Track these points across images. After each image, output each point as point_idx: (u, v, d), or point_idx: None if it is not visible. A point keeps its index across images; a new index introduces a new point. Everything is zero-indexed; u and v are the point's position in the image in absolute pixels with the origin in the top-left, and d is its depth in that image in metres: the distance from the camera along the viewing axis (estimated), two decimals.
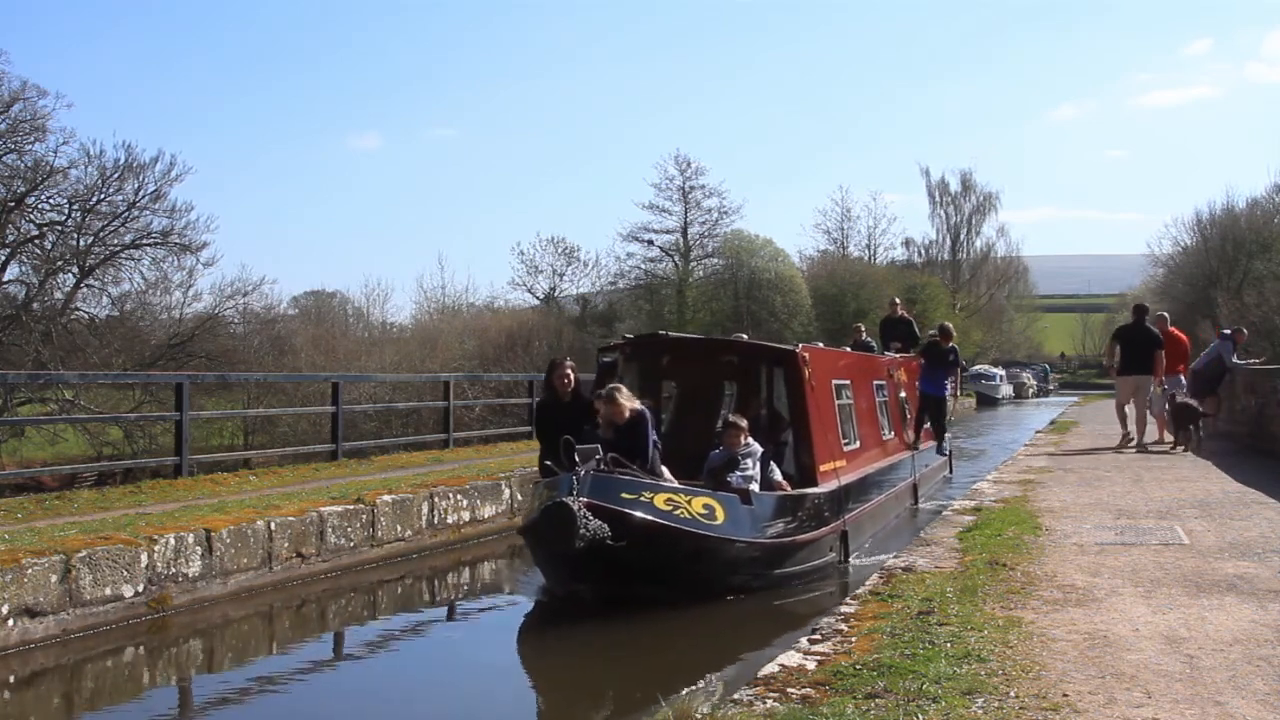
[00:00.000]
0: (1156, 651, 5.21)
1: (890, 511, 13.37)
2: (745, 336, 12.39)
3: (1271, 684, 4.66)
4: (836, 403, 11.41)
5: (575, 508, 7.34)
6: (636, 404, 9.12)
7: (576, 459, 8.02)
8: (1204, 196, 72.66)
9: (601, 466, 8.06)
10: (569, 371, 9.79)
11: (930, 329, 21.13)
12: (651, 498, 8.08)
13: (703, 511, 8.29)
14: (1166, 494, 11.02)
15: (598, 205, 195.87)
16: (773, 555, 9.13)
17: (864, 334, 18.57)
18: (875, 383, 14.24)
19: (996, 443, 27.88)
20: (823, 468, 10.32)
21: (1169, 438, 16.66)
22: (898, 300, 20.98)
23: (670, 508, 8.12)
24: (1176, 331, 17.34)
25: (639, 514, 7.90)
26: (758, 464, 9.44)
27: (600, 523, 7.49)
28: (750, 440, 9.58)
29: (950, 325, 18.08)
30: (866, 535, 11.74)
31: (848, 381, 12.27)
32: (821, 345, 14.70)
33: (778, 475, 9.80)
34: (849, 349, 16.54)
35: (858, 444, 12.09)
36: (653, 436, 9.17)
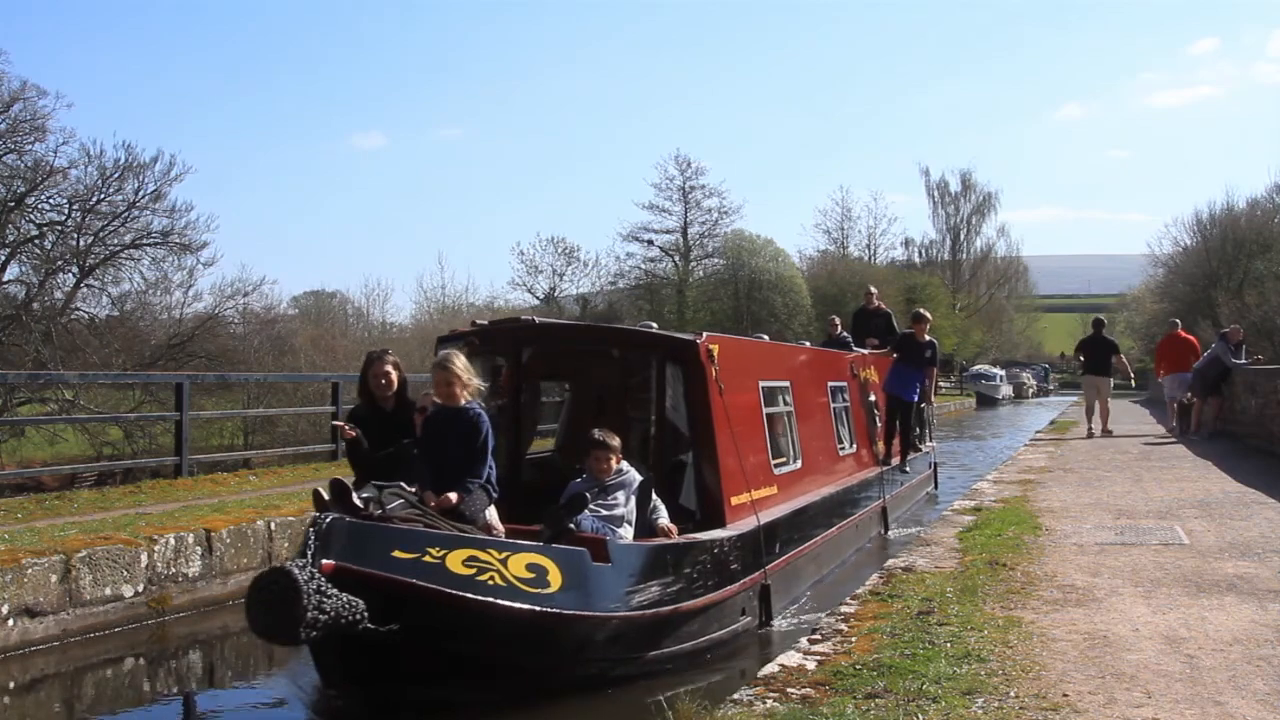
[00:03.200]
0: (1156, 651, 5.21)
1: (847, 547, 10.96)
2: (654, 325, 8.62)
3: (1271, 684, 4.66)
4: (766, 411, 8.97)
5: (302, 577, 4.87)
6: (476, 383, 6.40)
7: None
8: (1207, 196, 72.49)
9: (378, 506, 5.59)
10: (389, 369, 7.25)
11: (945, 332, 19.68)
12: (443, 556, 5.40)
13: (525, 576, 5.60)
14: (1166, 494, 11.02)
15: (598, 205, 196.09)
16: (642, 632, 6.44)
17: (839, 328, 16.45)
18: (832, 384, 11.78)
19: (985, 450, 27.17)
20: (734, 500, 7.80)
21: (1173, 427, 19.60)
22: (873, 290, 17.54)
23: (471, 571, 5.43)
24: (1186, 335, 20.47)
25: (419, 582, 5.26)
26: (632, 498, 6.97)
27: (348, 599, 4.99)
28: (624, 466, 7.12)
29: (926, 312, 14.84)
30: (804, 584, 9.29)
31: (785, 383, 9.86)
32: (766, 338, 11.53)
33: (663, 515, 7.15)
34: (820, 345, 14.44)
35: (798, 464, 9.68)
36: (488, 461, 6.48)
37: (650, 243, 55.82)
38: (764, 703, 4.70)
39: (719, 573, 7.24)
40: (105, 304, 30.23)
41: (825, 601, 8.38)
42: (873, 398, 13.45)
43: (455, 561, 5.47)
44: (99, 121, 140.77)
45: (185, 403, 13.01)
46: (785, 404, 9.73)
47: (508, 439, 8.25)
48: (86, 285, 29.33)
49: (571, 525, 6.05)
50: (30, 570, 7.62)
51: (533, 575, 5.71)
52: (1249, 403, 17.31)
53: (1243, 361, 18.87)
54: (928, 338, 13.98)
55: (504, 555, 5.66)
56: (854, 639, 5.66)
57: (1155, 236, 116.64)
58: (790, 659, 5.41)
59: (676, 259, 55.89)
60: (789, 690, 4.85)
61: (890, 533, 12.41)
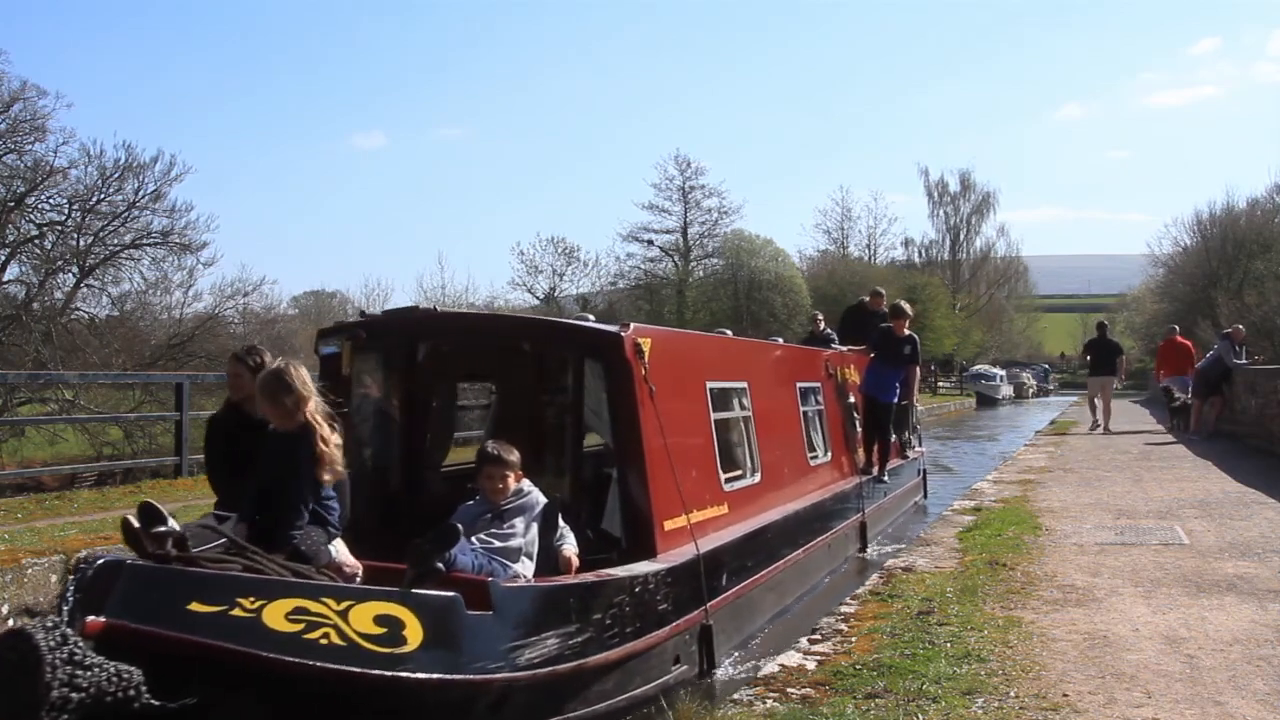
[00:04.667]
0: (1156, 651, 5.21)
1: (817, 570, 9.51)
2: (591, 319, 7.17)
3: (1271, 684, 4.66)
4: (715, 416, 7.63)
5: (45, 643, 3.55)
6: (310, 397, 4.97)
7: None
8: (1207, 196, 72.59)
9: (173, 547, 4.28)
10: (240, 372, 5.97)
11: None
12: (259, 608, 4.12)
13: (372, 632, 4.31)
14: (1166, 494, 11.02)
15: (598, 205, 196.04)
16: (536, 696, 5.11)
17: (823, 325, 15.35)
18: (803, 385, 10.29)
19: (985, 452, 26.71)
20: (668, 524, 6.42)
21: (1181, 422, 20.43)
22: (882, 292, 15.45)
23: (297, 628, 4.15)
24: (1183, 340, 21.42)
25: (217, 643, 3.94)
26: (534, 525, 5.65)
27: (118, 669, 3.67)
28: (525, 486, 5.77)
29: (906, 305, 12.87)
30: (761, 619, 7.88)
31: (741, 385, 8.41)
32: (731, 333, 9.96)
33: (568, 544, 5.80)
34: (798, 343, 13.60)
35: (756, 477, 8.27)
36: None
37: (650, 243, 55.90)
38: (764, 703, 4.71)
39: (642, 616, 5.80)
40: (105, 304, 30.21)
41: (785, 638, 6.89)
42: (852, 399, 12.03)
43: (276, 615, 4.14)
44: (99, 121, 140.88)
45: (185, 403, 13.01)
46: (741, 408, 8.31)
47: (401, 452, 7.15)
48: (86, 285, 29.34)
49: (441, 564, 4.67)
50: (30, 570, 7.62)
51: (383, 631, 4.32)
52: (1249, 403, 17.32)
53: (1243, 361, 18.92)
54: (907, 332, 12.37)
55: (345, 606, 4.28)
56: (854, 639, 5.67)
57: (1155, 236, 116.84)
58: (790, 659, 5.42)
59: (676, 259, 55.93)
60: (789, 690, 4.86)
61: (870, 551, 11.07)
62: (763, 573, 7.85)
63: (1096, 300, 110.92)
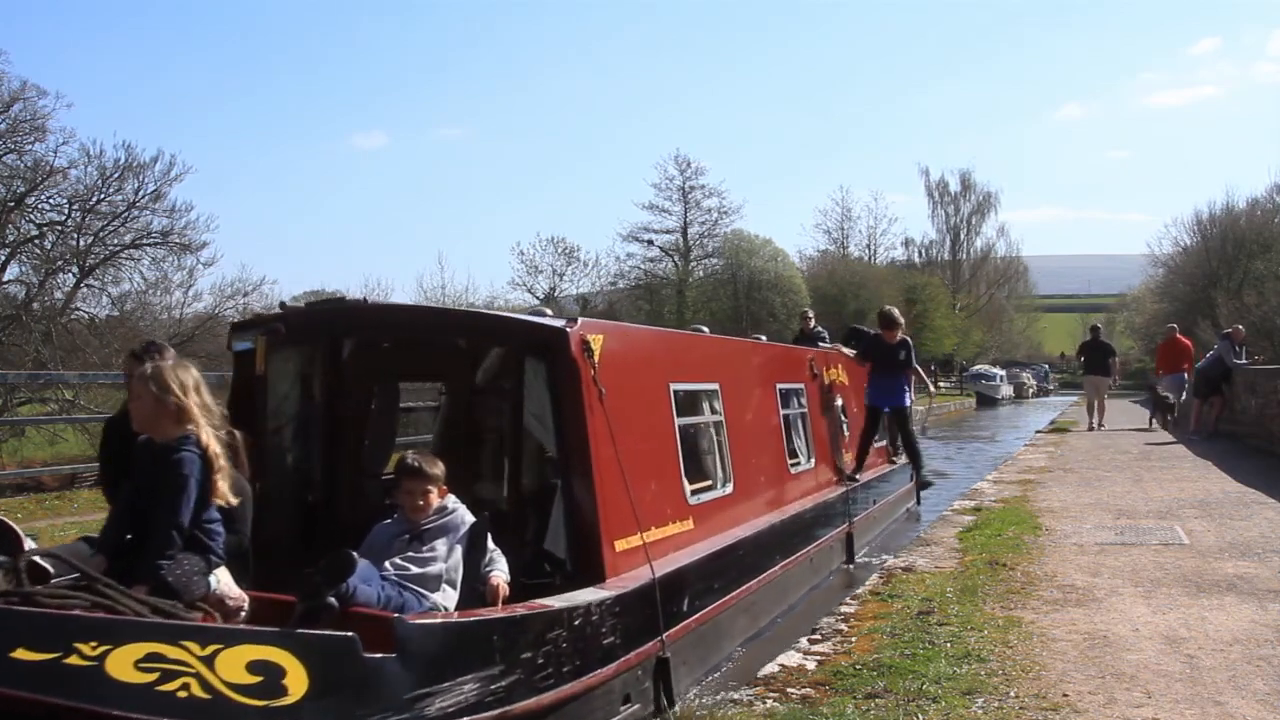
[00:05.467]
0: (1156, 651, 5.21)
1: (797, 588, 8.62)
2: (549, 313, 6.48)
3: (1271, 684, 4.66)
4: (680, 421, 6.88)
5: None
6: (191, 403, 4.32)
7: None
8: (1207, 196, 72.71)
9: (28, 578, 3.82)
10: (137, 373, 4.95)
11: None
12: (102, 655, 3.50)
13: (244, 682, 3.70)
14: (1166, 494, 11.02)
15: (598, 205, 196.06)
16: None
17: (813, 322, 14.78)
18: (784, 387, 9.50)
19: (982, 455, 26.29)
20: (619, 544, 5.68)
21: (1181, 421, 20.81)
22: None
23: (150, 678, 3.53)
24: (1183, 339, 21.68)
25: (48, 699, 3.36)
26: (458, 548, 4.96)
27: None
28: (450, 503, 5.08)
29: (895, 312, 11.94)
30: (731, 645, 6.98)
31: (712, 386, 7.67)
32: (710, 331, 9.46)
33: (498, 569, 5.02)
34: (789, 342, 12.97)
35: (728, 488, 7.54)
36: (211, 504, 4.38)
37: (650, 243, 55.89)
38: (764, 703, 4.71)
39: (583, 651, 5.03)
40: (105, 304, 30.20)
41: (752, 665, 6.23)
42: (839, 402, 11.27)
43: (123, 663, 3.51)
44: (99, 121, 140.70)
45: None
46: (711, 412, 7.59)
47: (324, 460, 6.37)
48: (86, 285, 29.34)
49: (334, 599, 4.07)
50: None
51: (258, 680, 3.70)
52: (1249, 403, 17.33)
53: (1243, 361, 18.94)
54: (901, 337, 11.71)
55: (211, 651, 3.63)
56: (854, 639, 5.67)
57: (1155, 236, 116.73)
58: (790, 659, 5.43)
59: (676, 259, 55.94)
60: (789, 690, 4.86)
61: (857, 563, 10.25)
62: (733, 594, 7.01)
63: (1096, 300, 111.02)
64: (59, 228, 29.02)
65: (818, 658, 5.38)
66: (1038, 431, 23.96)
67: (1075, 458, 15.59)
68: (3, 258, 28.34)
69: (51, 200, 28.99)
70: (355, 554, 4.30)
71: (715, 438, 7.60)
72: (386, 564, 4.76)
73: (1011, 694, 4.58)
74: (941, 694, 4.59)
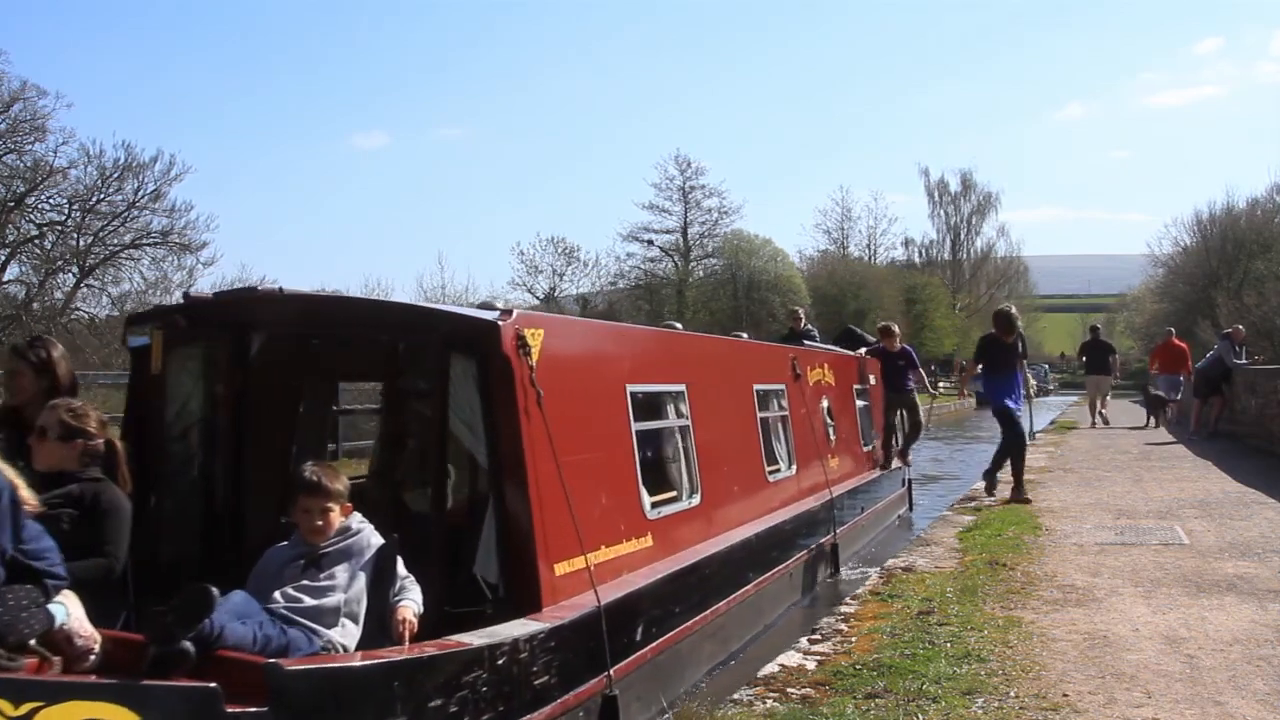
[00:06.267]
0: (1156, 651, 5.21)
1: (774, 606, 7.96)
2: (499, 308, 5.29)
3: (1271, 684, 4.66)
4: (639, 426, 6.18)
5: None
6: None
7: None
8: (1207, 196, 72.79)
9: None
10: (28, 370, 4.71)
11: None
12: None
13: None
14: (1166, 494, 11.02)
15: (598, 205, 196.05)
16: None
17: (804, 321, 14.39)
18: (762, 388, 8.75)
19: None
20: (559, 568, 5.03)
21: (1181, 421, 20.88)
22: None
23: None
24: (1179, 342, 22.09)
25: None
26: (361, 575, 4.21)
27: None
28: (354, 522, 4.34)
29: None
30: (694, 676, 6.24)
31: (677, 388, 6.94)
32: (678, 329, 8.41)
33: (409, 599, 4.23)
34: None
35: (695, 499, 6.83)
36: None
37: (650, 243, 55.97)
38: (764, 703, 4.71)
39: (509, 695, 4.36)
40: (105, 304, 30.23)
41: (752, 665, 5.97)
42: (825, 403, 10.66)
43: None
44: (99, 121, 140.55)
45: None
46: (677, 416, 6.86)
47: (228, 473, 5.57)
48: (86, 285, 29.37)
49: (188, 643, 3.44)
50: None
51: None
52: (1249, 403, 17.33)
53: (1243, 362, 18.95)
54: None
55: (29, 710, 3.02)
56: (854, 639, 5.67)
57: (1155, 236, 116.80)
58: (790, 659, 5.42)
59: (676, 259, 55.99)
60: (789, 690, 4.86)
61: (843, 575, 9.65)
62: (698, 617, 6.30)
63: (1096, 300, 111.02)
64: (59, 228, 29.05)
65: (818, 658, 5.38)
66: (1037, 431, 23.97)
67: (1075, 458, 15.59)
68: (3, 258, 28.36)
69: (51, 200, 29.06)
70: (213, 588, 3.57)
71: (681, 444, 6.86)
72: (277, 594, 4.03)
73: (1011, 694, 4.58)
74: (941, 694, 4.59)
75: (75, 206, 29.11)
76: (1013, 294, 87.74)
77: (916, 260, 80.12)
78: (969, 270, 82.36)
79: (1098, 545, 8.15)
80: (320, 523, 4.20)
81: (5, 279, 28.73)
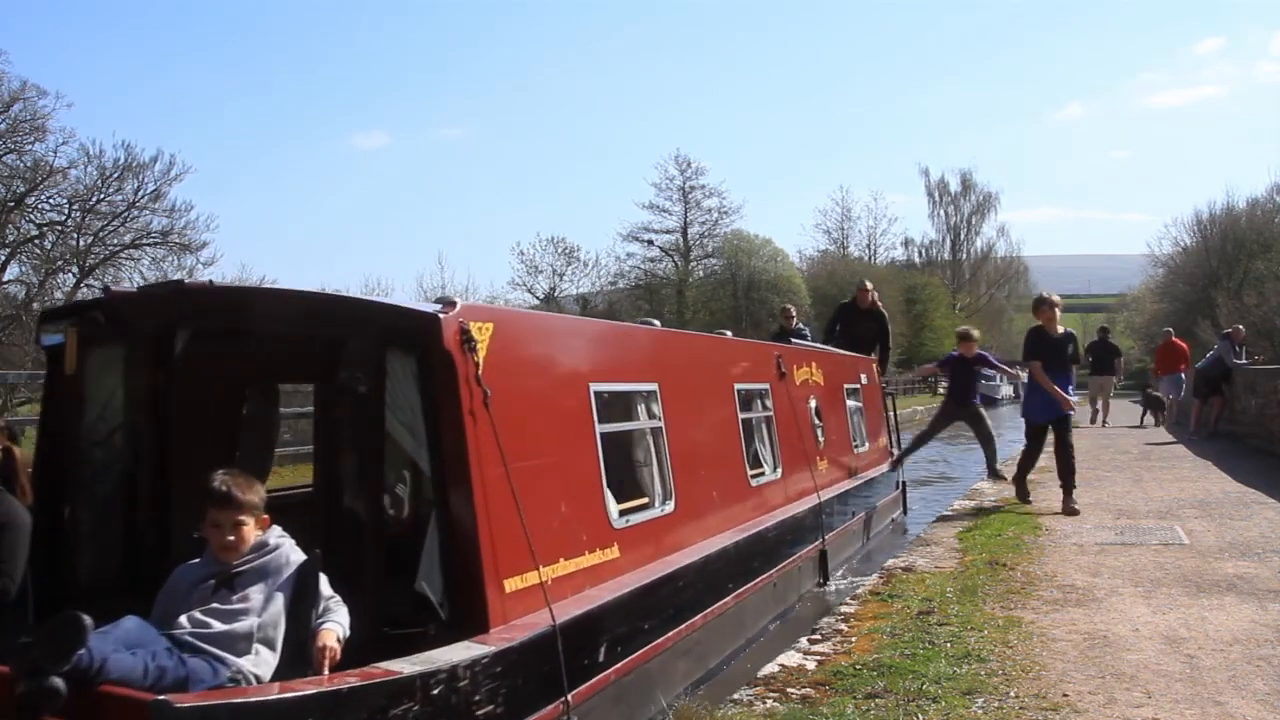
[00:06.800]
0: (1156, 651, 5.22)
1: (756, 619, 7.56)
2: (458, 303, 4.73)
3: (1271, 684, 4.66)
4: (604, 429, 5.74)
5: None
6: None
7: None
8: (1207, 196, 72.92)
9: None
10: None
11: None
12: None
13: None
14: (1166, 494, 11.02)
15: (598, 205, 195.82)
16: None
17: (795, 319, 14.16)
18: (744, 387, 8.34)
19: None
20: (509, 584, 4.61)
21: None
22: (870, 286, 14.55)
23: None
24: (1178, 342, 22.49)
25: None
26: (278, 596, 3.79)
27: None
28: (272, 537, 3.92)
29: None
30: (668, 694, 5.68)
31: (648, 387, 6.54)
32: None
33: (332, 623, 3.82)
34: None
35: (669, 506, 6.41)
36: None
37: (650, 243, 56.04)
38: (764, 703, 4.71)
39: None
40: None
41: (752, 665, 5.94)
42: (813, 403, 10.15)
43: None
44: (99, 121, 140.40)
45: None
46: (648, 417, 6.45)
47: (151, 483, 5.13)
48: (86, 285, 29.36)
49: (58, 680, 3.05)
50: None
51: None
52: (1249, 403, 17.34)
53: (1243, 362, 18.97)
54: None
55: None
56: (854, 639, 5.67)
57: (1155, 236, 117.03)
58: (790, 659, 5.43)
59: (676, 259, 56.05)
60: (789, 690, 4.86)
61: (833, 583, 9.27)
62: (670, 633, 5.85)
63: (1096, 300, 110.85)
64: (59, 228, 29.08)
65: (818, 658, 5.38)
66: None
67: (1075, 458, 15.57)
68: (3, 258, 28.37)
69: (51, 200, 29.09)
70: (84, 615, 3.15)
71: (653, 448, 6.42)
72: (183, 618, 3.63)
73: (1011, 694, 4.58)
74: (941, 694, 4.59)
75: (75, 206, 29.14)
76: (1013, 294, 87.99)
77: (916, 260, 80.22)
78: (969, 270, 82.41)
79: (1098, 545, 8.15)
80: (232, 538, 3.79)
81: (5, 279, 28.75)
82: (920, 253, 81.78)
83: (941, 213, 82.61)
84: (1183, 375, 21.46)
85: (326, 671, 3.63)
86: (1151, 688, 4.66)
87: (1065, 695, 4.56)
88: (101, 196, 29.27)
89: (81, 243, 29.29)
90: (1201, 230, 51.41)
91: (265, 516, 3.92)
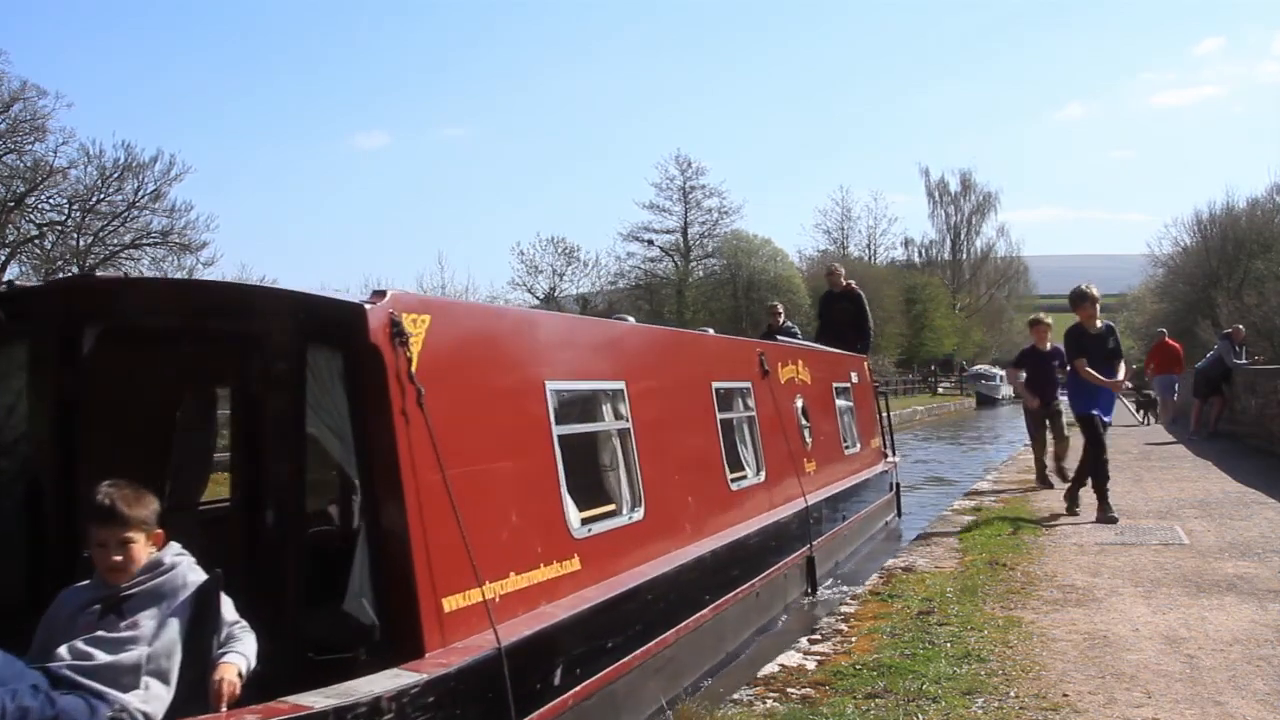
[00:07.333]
0: (1156, 651, 5.21)
1: (735, 632, 7.17)
2: (391, 293, 4.25)
3: (1271, 684, 4.66)
4: (558, 431, 5.24)
5: None
6: None
7: None
8: (1207, 196, 73.07)
9: None
10: None
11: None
12: None
13: None
14: (1166, 494, 11.02)
15: (598, 205, 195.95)
16: None
17: (783, 317, 13.80)
18: (722, 386, 7.87)
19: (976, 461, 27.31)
20: (449, 603, 4.18)
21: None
22: (839, 268, 14.72)
23: None
24: (1172, 342, 22.67)
25: None
26: (174, 621, 3.37)
27: None
28: (168, 555, 3.50)
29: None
30: None
31: (614, 386, 6.07)
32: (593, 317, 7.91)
33: (237, 652, 3.39)
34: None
35: (638, 513, 5.95)
36: None
37: (650, 243, 56.08)
38: (764, 703, 4.71)
39: None
40: None
41: (752, 665, 5.71)
42: (800, 403, 9.67)
43: None
44: (99, 121, 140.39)
45: None
46: (614, 417, 5.99)
47: (57, 497, 4.60)
48: None
49: None
50: None
51: None
52: (1249, 403, 17.33)
53: (1243, 361, 18.97)
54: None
55: None
56: (854, 639, 5.67)
57: (1155, 236, 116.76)
58: (790, 659, 5.43)
59: (676, 259, 56.06)
60: (789, 690, 4.86)
61: (821, 593, 8.90)
62: (638, 650, 5.42)
63: None
64: (59, 228, 29.09)
65: (818, 658, 5.38)
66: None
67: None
68: (3, 258, 28.36)
69: (51, 200, 29.09)
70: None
71: (620, 451, 5.97)
72: (63, 649, 3.24)
73: (1011, 694, 4.58)
74: (941, 694, 4.59)
75: (75, 206, 29.14)
76: (1013, 294, 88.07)
77: (916, 260, 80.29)
78: (969, 270, 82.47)
79: (1098, 545, 8.15)
80: (119, 558, 3.35)
81: (5, 279, 28.75)
82: (920, 253, 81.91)
83: (941, 213, 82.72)
84: (1175, 377, 21.48)
85: (225, 708, 3.24)
86: (1151, 688, 4.66)
87: (1065, 695, 4.56)
88: (101, 196, 29.28)
89: (81, 243, 29.30)
90: (1201, 230, 51.40)
91: (159, 532, 3.49)
